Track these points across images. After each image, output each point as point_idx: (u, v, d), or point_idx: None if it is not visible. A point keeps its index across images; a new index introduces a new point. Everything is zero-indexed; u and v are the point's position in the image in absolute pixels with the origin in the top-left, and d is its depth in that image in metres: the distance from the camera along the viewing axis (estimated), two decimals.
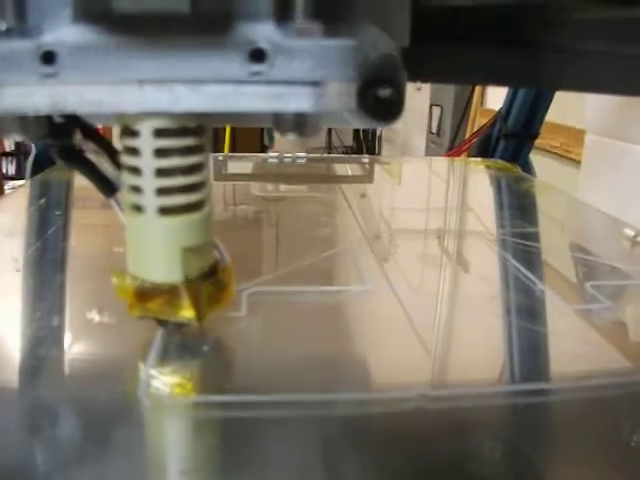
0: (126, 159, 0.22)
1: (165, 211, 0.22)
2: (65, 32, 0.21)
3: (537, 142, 0.80)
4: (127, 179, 0.22)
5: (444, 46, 0.29)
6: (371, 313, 0.33)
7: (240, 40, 0.21)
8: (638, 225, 0.49)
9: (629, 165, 0.77)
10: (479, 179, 0.78)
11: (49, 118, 0.23)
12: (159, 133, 0.21)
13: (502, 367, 0.28)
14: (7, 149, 2.44)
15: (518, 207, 0.61)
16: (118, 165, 0.25)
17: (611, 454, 0.21)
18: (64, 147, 0.25)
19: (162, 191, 0.22)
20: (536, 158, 0.80)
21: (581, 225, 0.59)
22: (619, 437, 0.22)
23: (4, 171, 2.41)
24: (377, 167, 0.78)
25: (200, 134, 0.22)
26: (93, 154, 0.26)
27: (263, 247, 0.45)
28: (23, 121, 0.22)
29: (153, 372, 0.24)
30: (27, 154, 0.76)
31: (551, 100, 0.77)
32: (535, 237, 0.48)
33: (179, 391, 0.24)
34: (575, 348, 0.29)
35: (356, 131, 1.94)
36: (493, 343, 0.30)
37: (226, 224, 0.49)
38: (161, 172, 0.22)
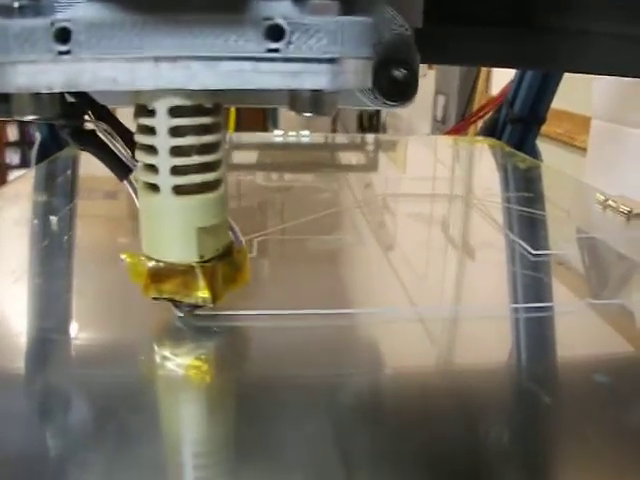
0: (141, 138, 0.22)
1: (180, 190, 0.22)
2: (79, 9, 0.21)
3: (542, 129, 0.79)
4: (142, 158, 0.22)
5: (457, 28, 0.28)
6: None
7: (257, 17, 0.20)
8: None
9: (635, 150, 0.77)
10: (474, 155, 0.81)
11: (62, 98, 0.23)
12: (174, 111, 0.21)
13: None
14: (11, 139, 2.43)
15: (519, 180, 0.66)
16: (131, 146, 0.25)
17: None
18: (76, 129, 0.25)
19: (177, 170, 0.22)
20: (541, 145, 0.80)
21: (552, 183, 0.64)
22: None
23: (8, 161, 2.40)
24: (381, 154, 0.79)
25: (216, 113, 0.22)
26: (105, 136, 0.25)
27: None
28: (37, 101, 0.22)
29: (167, 354, 0.24)
30: (31, 144, 0.76)
31: (557, 85, 0.76)
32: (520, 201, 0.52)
33: (194, 373, 0.24)
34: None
35: (360, 118, 1.93)
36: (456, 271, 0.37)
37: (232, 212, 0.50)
38: (176, 151, 0.21)
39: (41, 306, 0.31)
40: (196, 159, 0.22)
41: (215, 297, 0.24)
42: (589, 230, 0.46)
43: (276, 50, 0.21)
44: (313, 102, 0.22)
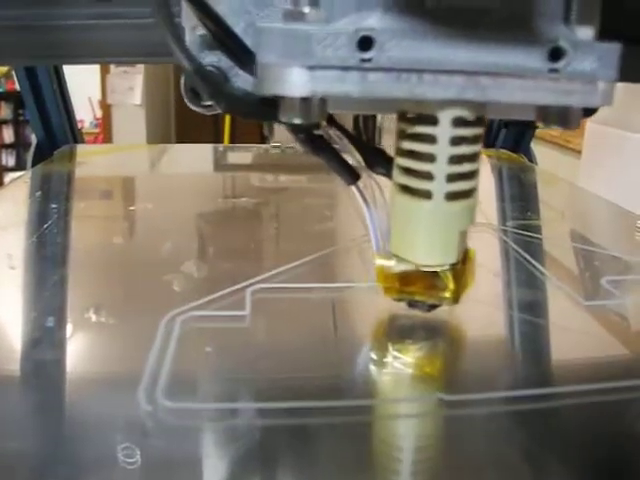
0: (413, 145, 0.23)
1: (452, 196, 0.23)
2: (380, 20, 0.21)
3: (537, 132, 0.84)
4: (411, 165, 0.23)
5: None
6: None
7: (542, 38, 0.22)
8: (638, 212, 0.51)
9: (629, 153, 0.83)
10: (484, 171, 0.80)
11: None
12: (457, 122, 0.22)
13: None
14: (7, 141, 2.36)
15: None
16: (361, 151, 0.26)
17: None
18: (310, 134, 0.25)
19: (452, 177, 0.23)
20: (536, 148, 0.84)
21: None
22: None
23: (4, 163, 2.34)
24: None
25: (482, 124, 0.23)
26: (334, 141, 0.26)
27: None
28: (306, 106, 0.22)
29: (396, 353, 0.25)
30: (27, 146, 0.74)
31: None
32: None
33: (428, 369, 0.25)
34: None
35: (356, 120, 1.94)
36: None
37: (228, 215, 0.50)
38: (453, 159, 0.22)
39: None
40: (466, 167, 0.23)
41: (457, 298, 0.25)
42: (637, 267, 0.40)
43: (556, 70, 0.22)
44: (560, 117, 0.24)
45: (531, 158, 0.84)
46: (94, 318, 0.29)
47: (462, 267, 0.25)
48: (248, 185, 0.66)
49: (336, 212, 0.52)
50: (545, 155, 0.97)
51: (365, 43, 0.21)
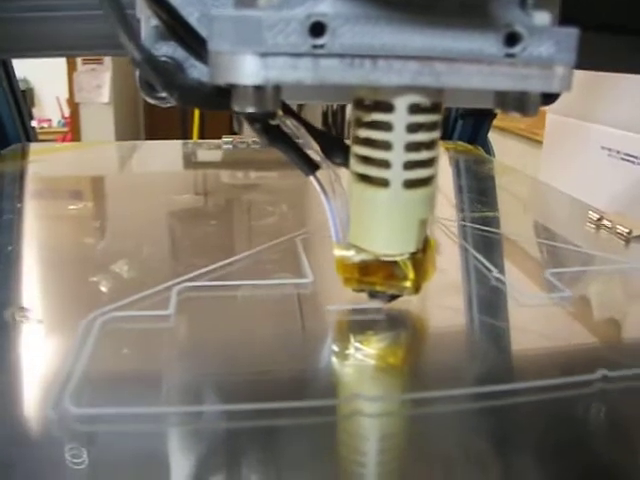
0: (369, 133, 0.23)
1: (410, 184, 0.23)
2: (332, 5, 0.21)
3: (504, 125, 0.84)
4: (367, 153, 0.23)
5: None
6: None
7: (498, 22, 0.22)
8: (598, 203, 0.50)
9: (589, 143, 0.83)
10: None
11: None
12: (413, 109, 0.22)
13: None
14: None
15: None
16: (318, 141, 0.25)
17: None
18: (266, 124, 0.25)
19: (410, 165, 0.22)
20: (504, 140, 0.84)
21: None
22: None
23: None
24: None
25: (439, 111, 0.23)
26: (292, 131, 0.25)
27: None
28: (259, 94, 0.22)
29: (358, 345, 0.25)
30: None
31: None
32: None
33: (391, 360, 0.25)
34: None
35: (325, 116, 1.93)
36: None
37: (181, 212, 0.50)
38: (410, 146, 0.22)
39: None
40: (424, 154, 0.23)
41: (418, 288, 0.25)
42: (580, 260, 0.39)
43: (512, 55, 0.22)
44: (519, 103, 0.24)
45: (488, 150, 0.84)
46: (15, 319, 0.28)
47: (422, 256, 0.24)
48: (216, 182, 0.65)
49: (299, 207, 0.51)
50: (512, 147, 0.98)
51: (317, 29, 0.20)
